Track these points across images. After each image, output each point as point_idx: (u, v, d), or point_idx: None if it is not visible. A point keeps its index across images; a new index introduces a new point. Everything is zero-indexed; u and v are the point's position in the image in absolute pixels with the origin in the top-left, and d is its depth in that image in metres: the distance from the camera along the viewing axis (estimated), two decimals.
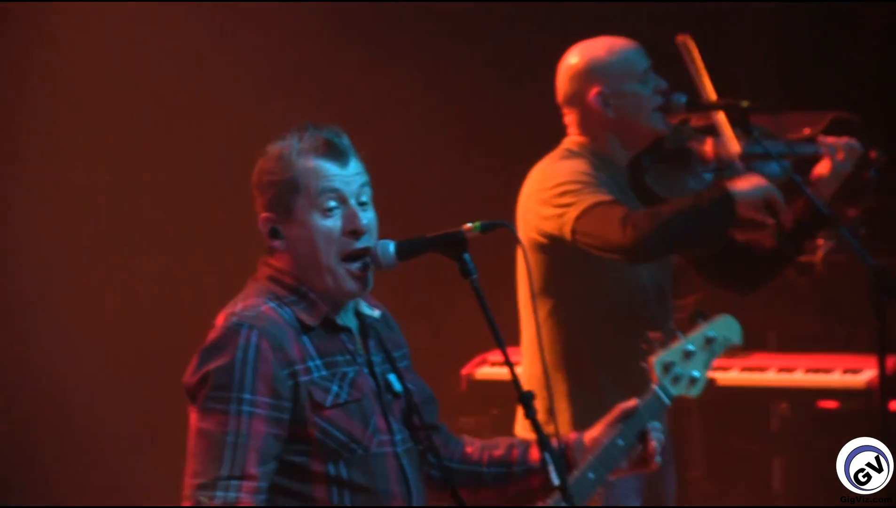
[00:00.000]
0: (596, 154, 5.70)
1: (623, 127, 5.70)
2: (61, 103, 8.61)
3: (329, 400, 4.27)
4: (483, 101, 8.98)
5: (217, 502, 4.14)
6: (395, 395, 4.46)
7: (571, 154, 5.69)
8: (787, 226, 5.68)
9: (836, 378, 7.19)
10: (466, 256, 4.31)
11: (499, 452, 4.64)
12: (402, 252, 4.39)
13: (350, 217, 4.32)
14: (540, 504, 4.44)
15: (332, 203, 4.31)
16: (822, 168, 5.78)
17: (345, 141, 4.38)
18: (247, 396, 4.18)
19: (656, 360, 4.68)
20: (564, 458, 4.55)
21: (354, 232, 4.31)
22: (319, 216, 4.31)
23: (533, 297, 5.03)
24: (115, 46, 8.70)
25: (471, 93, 9.13)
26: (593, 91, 5.70)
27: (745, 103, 5.80)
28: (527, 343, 5.61)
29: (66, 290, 8.52)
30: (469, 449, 4.62)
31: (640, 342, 4.76)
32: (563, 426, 5.61)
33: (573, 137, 5.76)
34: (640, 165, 5.77)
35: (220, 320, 4.29)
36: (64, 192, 8.65)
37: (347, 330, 4.40)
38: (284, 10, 9.05)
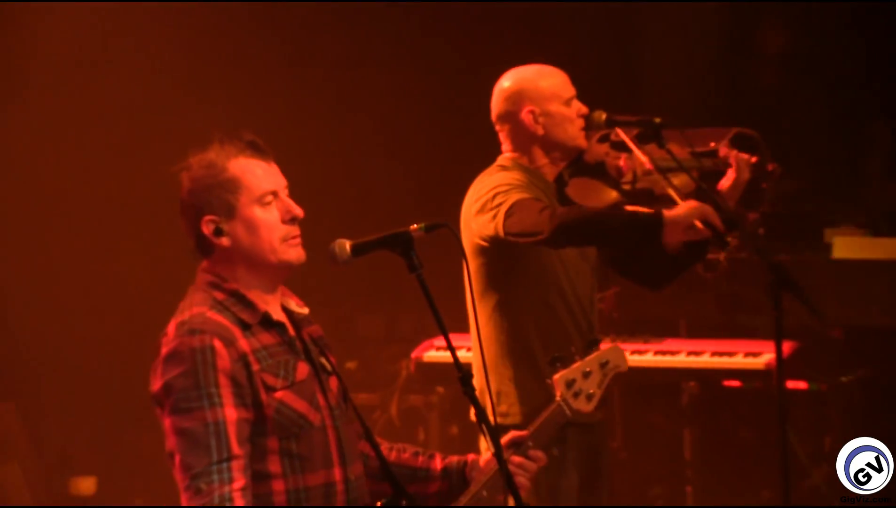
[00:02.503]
0: (525, 169, 5.70)
1: (549, 143, 5.69)
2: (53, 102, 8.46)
3: (279, 384, 4.27)
4: (434, 113, 8.97)
5: (216, 484, 4.13)
6: (328, 375, 4.48)
7: (504, 169, 5.70)
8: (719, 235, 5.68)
9: (739, 361, 7.20)
10: (412, 253, 4.33)
11: (406, 455, 4.67)
12: (356, 250, 4.38)
13: (286, 207, 4.33)
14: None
15: (269, 197, 4.31)
16: (727, 180, 5.80)
17: (261, 142, 4.37)
18: (213, 390, 4.17)
19: (560, 378, 4.78)
20: (464, 474, 4.64)
21: (293, 219, 4.33)
22: (260, 210, 4.30)
23: (472, 295, 5.07)
24: (99, 47, 8.57)
25: (423, 106, 9.12)
26: (525, 109, 5.71)
27: (657, 120, 5.83)
28: (474, 335, 5.63)
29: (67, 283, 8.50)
30: (382, 445, 4.62)
31: (548, 361, 4.85)
32: (510, 406, 5.72)
33: (506, 155, 5.76)
34: (563, 178, 5.79)
35: (172, 329, 4.27)
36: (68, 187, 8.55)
37: (281, 325, 4.39)
38: (256, 12, 9.03)
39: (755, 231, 6.36)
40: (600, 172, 5.82)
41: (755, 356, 7.18)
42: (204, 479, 4.14)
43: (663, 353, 7.39)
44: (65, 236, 8.44)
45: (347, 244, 4.39)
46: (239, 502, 4.13)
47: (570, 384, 4.78)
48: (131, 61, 8.70)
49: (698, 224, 5.44)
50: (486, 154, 5.81)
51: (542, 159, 5.75)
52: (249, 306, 4.34)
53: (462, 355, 5.45)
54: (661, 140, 5.87)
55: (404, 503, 4.46)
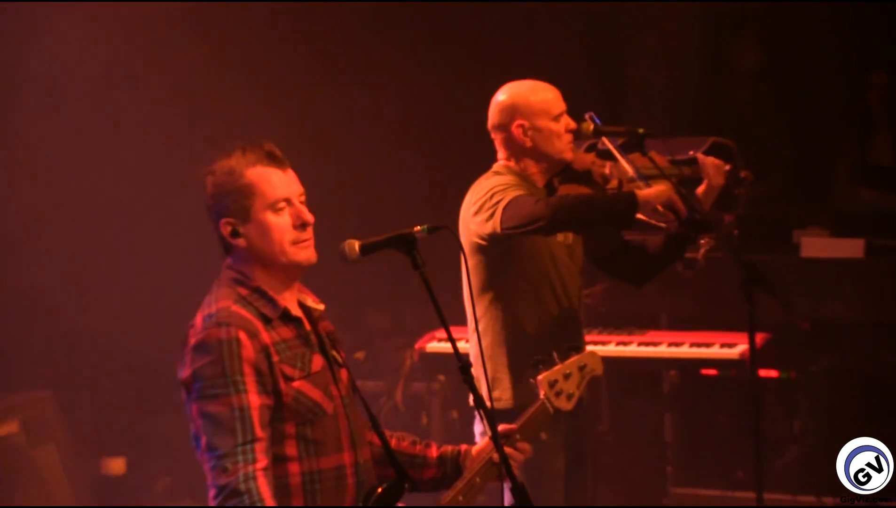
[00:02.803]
0: (517, 174, 5.72)
1: (537, 154, 5.72)
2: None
3: (296, 375, 4.30)
4: (435, 123, 8.97)
5: (241, 464, 4.15)
6: (339, 367, 4.51)
7: (497, 174, 5.73)
8: (684, 222, 5.72)
9: (716, 351, 7.21)
10: (416, 252, 4.37)
11: (405, 443, 4.70)
12: (364, 249, 4.41)
13: (297, 213, 4.34)
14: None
15: (282, 204, 4.34)
16: (703, 185, 5.85)
17: (278, 152, 4.39)
18: (239, 378, 4.19)
19: (543, 379, 4.83)
20: (457, 463, 4.68)
21: (303, 224, 4.35)
22: (273, 215, 4.33)
23: (470, 290, 5.07)
24: (117, 44, 8.46)
25: (426, 117, 9.12)
26: (516, 123, 5.73)
27: (641, 130, 5.86)
28: (472, 327, 5.67)
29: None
30: (386, 434, 4.64)
31: (532, 362, 4.88)
32: (503, 391, 5.75)
33: (500, 162, 5.79)
34: (553, 185, 5.83)
35: (199, 321, 4.30)
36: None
37: (298, 320, 4.42)
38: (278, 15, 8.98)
39: (730, 233, 6.40)
40: (587, 179, 5.85)
41: (730, 346, 7.19)
42: (230, 459, 4.16)
43: (646, 344, 7.40)
44: (100, 235, 8.38)
45: (356, 244, 4.42)
46: (261, 480, 4.16)
47: (552, 384, 4.84)
48: (160, 70, 8.65)
49: (660, 208, 5.51)
50: (484, 159, 5.84)
51: (531, 168, 5.77)
52: (270, 301, 4.36)
53: (461, 346, 5.47)
54: (644, 148, 5.90)
55: (407, 486, 4.50)
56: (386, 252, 4.46)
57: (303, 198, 4.41)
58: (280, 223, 4.34)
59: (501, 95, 5.80)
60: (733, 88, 9.27)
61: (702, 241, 7.13)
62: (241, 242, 4.37)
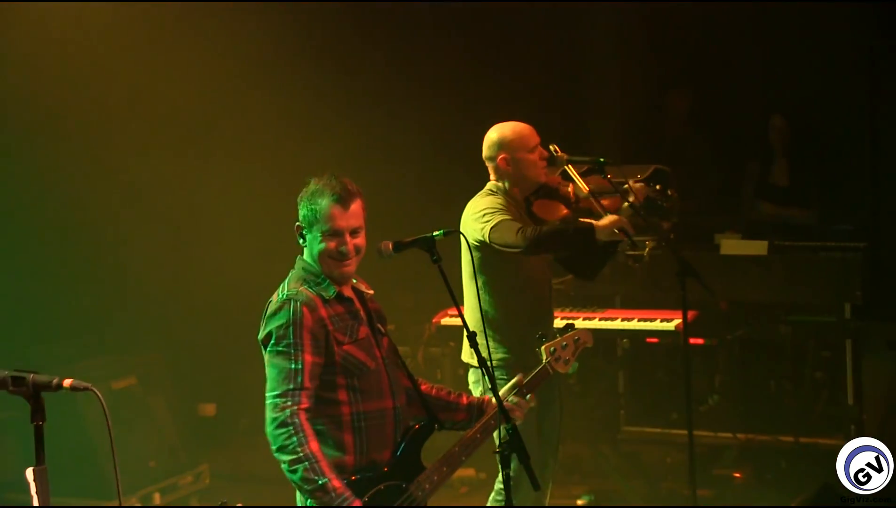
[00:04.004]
0: (504, 192, 5.73)
1: (517, 179, 5.72)
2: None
3: (346, 340, 4.34)
4: (447, 150, 8.91)
5: (289, 403, 4.19)
6: (381, 335, 4.52)
7: (491, 193, 5.73)
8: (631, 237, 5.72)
9: (657, 324, 7.21)
10: (434, 250, 4.42)
11: (442, 392, 4.70)
12: (396, 247, 4.45)
13: (339, 244, 4.35)
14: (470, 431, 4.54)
15: (331, 234, 4.34)
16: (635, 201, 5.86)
17: (351, 189, 4.37)
18: (298, 341, 4.24)
19: (545, 347, 4.84)
20: (481, 409, 4.65)
21: (340, 254, 4.36)
22: (321, 238, 4.35)
23: (474, 275, 5.07)
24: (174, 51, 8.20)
25: (438, 147, 9.08)
26: (500, 156, 5.73)
27: (602, 159, 5.85)
28: (468, 304, 5.64)
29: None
30: (424, 385, 4.66)
31: (536, 334, 4.88)
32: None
33: (492, 182, 5.79)
34: (530, 200, 5.81)
35: (275, 296, 4.35)
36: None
37: (350, 300, 4.44)
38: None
39: (668, 235, 6.38)
40: (556, 196, 5.87)
41: (668, 321, 7.18)
42: (282, 398, 4.20)
43: (604, 319, 7.38)
44: (200, 230, 8.40)
45: (390, 244, 4.46)
46: (302, 417, 4.19)
47: (552, 352, 4.84)
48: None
49: (616, 231, 5.51)
50: (479, 181, 5.83)
51: (514, 189, 5.76)
52: (328, 286, 4.39)
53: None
54: (605, 172, 5.89)
55: (436, 425, 4.55)
56: (412, 250, 4.49)
57: (358, 230, 4.40)
58: (323, 247, 4.37)
59: (491, 133, 5.81)
60: (669, 128, 9.24)
61: (647, 241, 7.14)
62: (303, 244, 4.42)
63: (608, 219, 5.52)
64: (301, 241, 4.44)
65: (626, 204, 5.83)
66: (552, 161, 5.81)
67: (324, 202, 4.34)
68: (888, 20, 8.16)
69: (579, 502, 7.40)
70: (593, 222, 5.49)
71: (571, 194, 5.88)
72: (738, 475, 7.50)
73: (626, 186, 5.91)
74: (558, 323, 7.08)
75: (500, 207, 5.62)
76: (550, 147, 5.85)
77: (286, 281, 4.42)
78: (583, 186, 5.80)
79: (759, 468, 7.48)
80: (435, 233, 4.46)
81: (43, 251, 7.68)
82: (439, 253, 4.42)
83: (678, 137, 9.20)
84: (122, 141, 7.98)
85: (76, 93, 7.77)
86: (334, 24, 8.96)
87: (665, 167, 7.44)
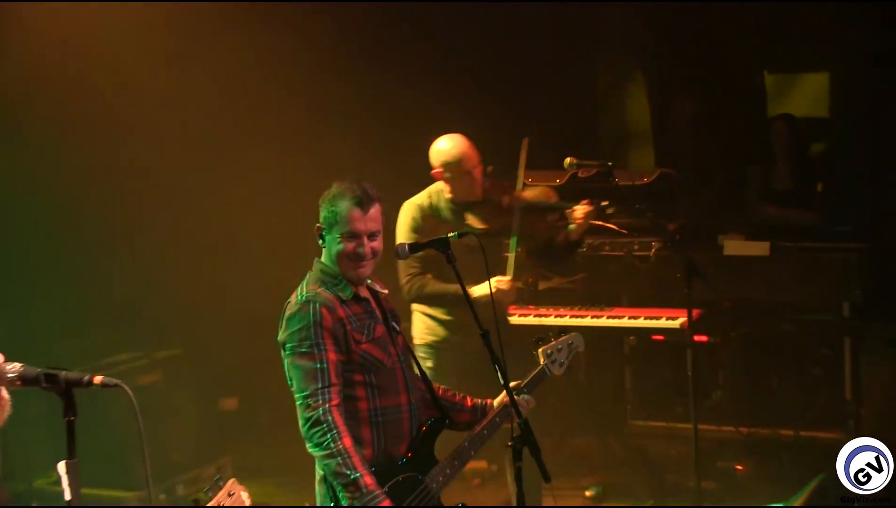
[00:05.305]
0: (439, 195, 5.88)
1: (451, 188, 5.82)
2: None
3: (363, 339, 4.35)
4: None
5: (319, 401, 4.21)
6: (396, 333, 4.52)
7: (419, 200, 5.92)
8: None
9: (663, 322, 7.17)
10: (449, 250, 4.42)
11: (449, 393, 4.71)
12: (412, 249, 4.51)
13: (356, 246, 4.37)
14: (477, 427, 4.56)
15: (350, 236, 4.36)
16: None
17: (371, 193, 4.38)
18: (321, 341, 4.26)
19: (542, 351, 4.82)
20: (484, 409, 4.67)
21: (357, 256, 4.37)
22: (340, 239, 4.36)
23: (487, 272, 5.09)
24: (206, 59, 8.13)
25: None
26: (436, 168, 5.83)
27: (609, 163, 5.85)
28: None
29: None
30: (434, 386, 4.65)
31: (534, 339, 4.86)
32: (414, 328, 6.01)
33: (436, 183, 5.92)
34: (463, 209, 5.87)
35: (294, 298, 4.36)
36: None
37: (366, 300, 4.45)
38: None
39: (674, 236, 6.39)
40: (488, 208, 5.90)
41: (673, 319, 7.14)
42: (312, 398, 4.22)
43: (612, 317, 7.33)
44: (223, 233, 8.38)
45: (407, 245, 4.51)
46: (335, 412, 4.20)
47: (548, 355, 4.83)
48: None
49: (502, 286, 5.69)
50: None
51: (449, 194, 5.86)
52: (345, 287, 4.40)
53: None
54: (612, 176, 5.90)
55: (447, 422, 4.57)
56: (427, 251, 4.54)
57: (376, 233, 4.41)
58: (342, 248, 4.37)
59: (434, 145, 5.89)
60: (675, 133, 9.23)
61: (653, 243, 7.15)
62: (322, 245, 4.43)
63: (484, 291, 5.43)
64: (320, 242, 4.46)
65: (579, 211, 5.89)
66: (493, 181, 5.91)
67: (344, 205, 4.35)
68: (889, 23, 8.15)
69: (587, 493, 7.40)
70: (473, 290, 5.37)
71: (506, 203, 5.89)
72: (740, 467, 7.49)
73: (569, 210, 5.95)
74: (567, 322, 7.14)
75: (411, 225, 5.80)
76: (568, 160, 5.89)
77: (304, 283, 4.43)
78: (523, 196, 5.94)
79: (760, 460, 7.47)
80: (450, 235, 4.48)
81: (74, 252, 7.68)
82: (453, 254, 4.43)
83: (683, 143, 9.19)
84: (153, 142, 7.94)
85: (118, 95, 7.78)
86: (367, 29, 8.90)
87: (671, 170, 7.46)
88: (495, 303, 5.33)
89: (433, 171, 5.83)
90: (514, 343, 5.09)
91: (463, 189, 5.83)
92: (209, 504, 3.40)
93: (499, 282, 5.68)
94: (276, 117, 8.33)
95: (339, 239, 4.37)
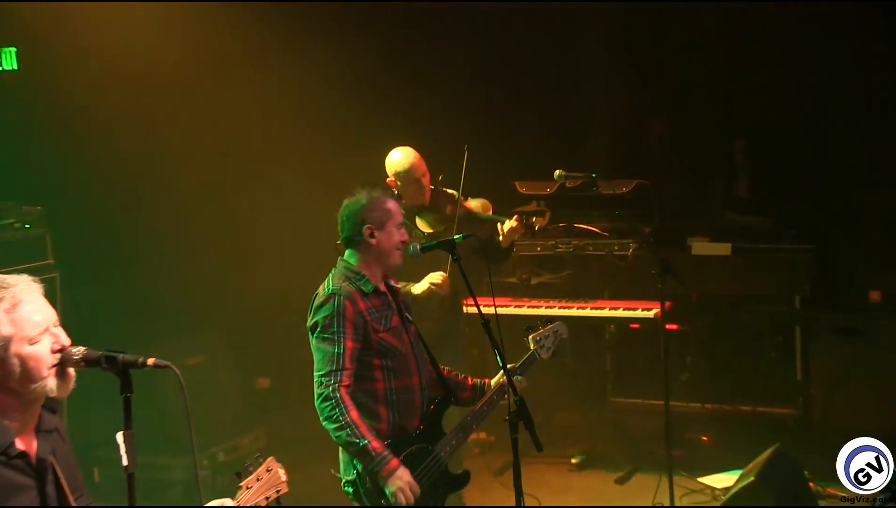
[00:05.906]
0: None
1: (402, 194, 5.67)
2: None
3: (381, 328, 4.34)
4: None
5: (332, 381, 4.21)
6: (409, 323, 4.51)
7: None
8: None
9: (639, 313, 7.15)
10: (455, 251, 4.42)
11: (452, 374, 4.68)
12: (423, 249, 4.52)
13: (403, 235, 4.41)
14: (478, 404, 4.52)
15: (401, 225, 4.40)
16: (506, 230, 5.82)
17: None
18: (341, 329, 4.26)
19: (532, 337, 4.79)
20: (483, 388, 4.62)
21: (404, 242, 4.40)
22: (395, 233, 4.39)
23: (489, 273, 5.05)
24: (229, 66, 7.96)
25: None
26: (389, 177, 5.75)
27: (594, 175, 5.81)
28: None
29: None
30: (440, 367, 4.64)
31: (525, 327, 4.82)
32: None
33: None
34: (415, 214, 5.77)
35: (321, 290, 4.36)
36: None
37: (385, 294, 4.44)
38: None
39: (649, 238, 6.36)
40: (436, 210, 5.82)
41: (648, 310, 7.12)
42: (326, 377, 4.22)
43: (595, 308, 7.32)
44: (260, 232, 8.32)
45: (418, 246, 4.50)
46: (343, 392, 4.20)
47: (538, 341, 4.80)
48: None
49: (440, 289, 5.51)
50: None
51: (404, 199, 5.65)
52: (367, 282, 4.38)
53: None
54: (596, 185, 5.87)
55: (452, 400, 4.56)
56: (436, 251, 4.53)
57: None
58: (397, 240, 4.40)
59: (389, 156, 5.78)
60: (649, 148, 9.19)
61: (631, 244, 7.12)
62: (373, 241, 4.38)
63: (424, 287, 5.45)
64: (371, 239, 4.37)
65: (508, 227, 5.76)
66: (439, 190, 5.78)
67: (389, 203, 4.39)
68: (836, 56, 8.12)
69: (573, 460, 7.40)
70: (413, 289, 5.42)
71: (448, 211, 5.81)
72: (705, 438, 7.48)
73: (499, 223, 5.84)
74: (556, 312, 7.11)
75: None
76: (557, 172, 5.84)
77: (330, 277, 4.42)
78: (468, 206, 5.83)
79: (723, 432, 7.46)
80: (455, 236, 4.49)
81: (130, 251, 7.69)
82: (459, 253, 4.41)
83: (656, 157, 9.15)
84: (200, 144, 7.86)
85: (173, 102, 7.69)
86: (391, 36, 8.74)
87: (646, 181, 7.43)
88: (435, 295, 5.43)
89: (387, 179, 5.75)
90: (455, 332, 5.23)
91: (412, 195, 5.75)
92: (248, 478, 3.39)
93: (433, 278, 5.57)
94: (305, 128, 8.22)
95: (395, 232, 4.38)
